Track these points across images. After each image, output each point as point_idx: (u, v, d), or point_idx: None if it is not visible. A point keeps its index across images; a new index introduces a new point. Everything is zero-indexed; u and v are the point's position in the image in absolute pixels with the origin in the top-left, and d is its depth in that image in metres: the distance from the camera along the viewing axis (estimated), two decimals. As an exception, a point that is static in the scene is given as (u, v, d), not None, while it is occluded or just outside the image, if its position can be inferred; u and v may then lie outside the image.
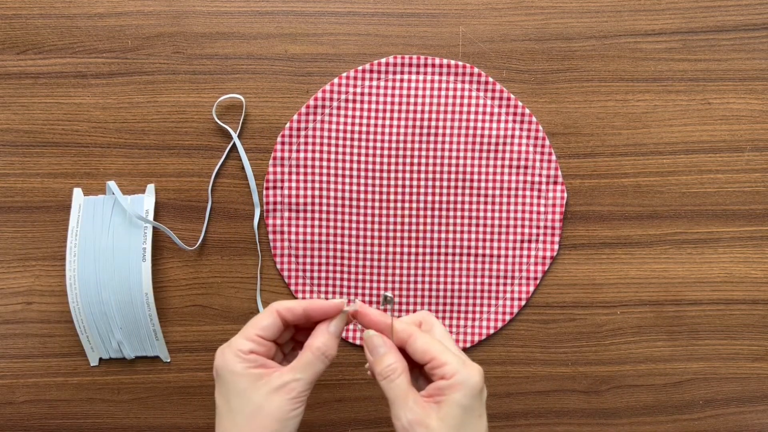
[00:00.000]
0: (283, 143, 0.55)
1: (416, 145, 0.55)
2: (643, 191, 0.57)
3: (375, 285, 0.56)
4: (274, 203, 0.56)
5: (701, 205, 0.57)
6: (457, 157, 0.55)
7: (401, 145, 0.55)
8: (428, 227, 0.56)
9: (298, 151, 0.55)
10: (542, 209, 0.56)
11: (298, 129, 0.55)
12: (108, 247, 0.54)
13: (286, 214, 0.56)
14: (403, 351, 0.40)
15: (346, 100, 0.55)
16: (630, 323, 0.58)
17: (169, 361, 0.57)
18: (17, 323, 0.57)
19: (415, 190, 0.56)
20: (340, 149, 0.55)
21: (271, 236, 0.56)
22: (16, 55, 0.55)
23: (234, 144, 0.56)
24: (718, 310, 0.58)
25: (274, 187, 0.56)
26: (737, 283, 0.57)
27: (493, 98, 0.55)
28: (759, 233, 0.57)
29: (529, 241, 0.56)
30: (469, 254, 0.56)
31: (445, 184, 0.56)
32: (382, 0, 0.56)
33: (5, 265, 0.56)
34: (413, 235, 0.56)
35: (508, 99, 0.55)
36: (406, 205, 0.56)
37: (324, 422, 0.58)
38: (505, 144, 0.55)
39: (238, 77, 0.56)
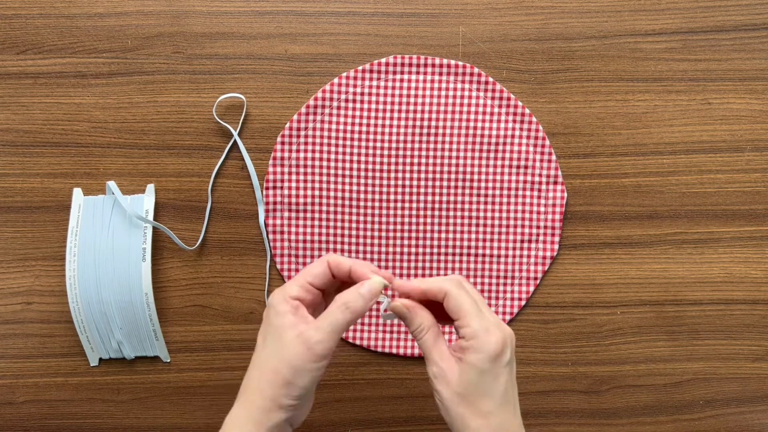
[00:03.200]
0: (283, 143, 0.55)
1: (416, 145, 0.55)
2: (644, 191, 0.57)
3: None
4: (274, 203, 0.56)
5: (701, 205, 0.57)
6: (457, 157, 0.55)
7: (401, 145, 0.55)
8: (428, 227, 0.56)
9: (298, 151, 0.55)
10: (542, 209, 0.56)
11: (298, 129, 0.55)
12: (108, 247, 0.54)
13: (286, 214, 0.56)
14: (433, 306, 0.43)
15: (346, 100, 0.55)
16: (630, 323, 0.58)
17: (169, 361, 0.57)
18: (17, 323, 0.57)
19: (415, 190, 0.56)
20: (340, 149, 0.55)
21: (270, 236, 0.56)
22: (16, 55, 0.55)
23: (234, 144, 0.56)
24: (719, 310, 0.58)
25: (274, 187, 0.56)
26: (737, 283, 0.57)
27: (493, 98, 0.55)
28: (759, 233, 0.57)
29: (529, 241, 0.56)
30: (469, 254, 0.56)
31: (445, 184, 0.56)
32: (382, 0, 0.56)
33: (5, 265, 0.56)
34: (413, 235, 0.56)
35: (508, 99, 0.55)
36: (406, 205, 0.56)
37: (324, 422, 0.58)
38: (505, 144, 0.55)
39: (238, 77, 0.56)
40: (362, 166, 0.55)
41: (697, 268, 0.57)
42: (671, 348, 0.58)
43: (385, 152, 0.55)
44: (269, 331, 0.40)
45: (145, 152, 0.56)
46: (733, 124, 0.56)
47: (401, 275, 0.56)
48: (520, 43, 0.56)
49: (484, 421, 0.39)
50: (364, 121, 0.55)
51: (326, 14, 0.55)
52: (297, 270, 0.56)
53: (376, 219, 0.56)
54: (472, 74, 0.55)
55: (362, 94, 0.55)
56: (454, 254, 0.56)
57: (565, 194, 0.56)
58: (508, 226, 0.56)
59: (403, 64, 0.55)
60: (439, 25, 0.56)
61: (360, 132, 0.55)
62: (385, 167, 0.56)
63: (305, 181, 0.56)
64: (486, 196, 0.56)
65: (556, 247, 0.56)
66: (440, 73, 0.55)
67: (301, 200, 0.56)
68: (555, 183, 0.55)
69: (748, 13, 0.56)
